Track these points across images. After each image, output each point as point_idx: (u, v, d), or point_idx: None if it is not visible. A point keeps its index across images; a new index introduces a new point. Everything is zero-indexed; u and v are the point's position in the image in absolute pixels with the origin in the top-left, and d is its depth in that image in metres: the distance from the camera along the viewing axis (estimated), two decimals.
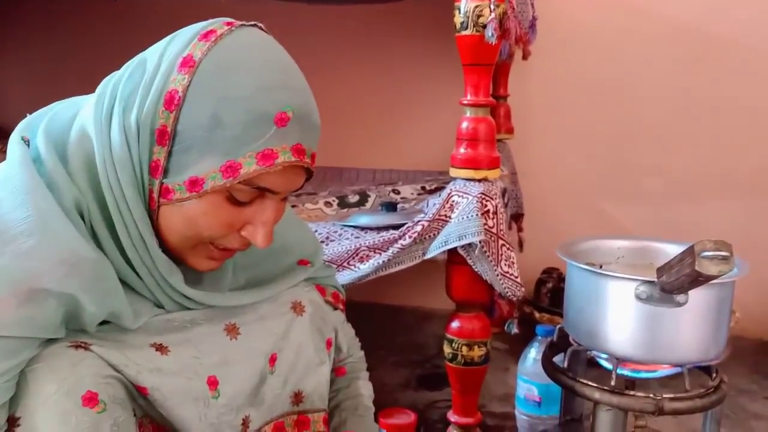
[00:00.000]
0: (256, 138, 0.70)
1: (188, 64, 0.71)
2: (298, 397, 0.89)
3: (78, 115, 0.75)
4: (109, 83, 0.75)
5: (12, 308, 0.64)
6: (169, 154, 0.71)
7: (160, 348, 0.75)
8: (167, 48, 0.73)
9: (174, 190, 0.71)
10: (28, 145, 0.73)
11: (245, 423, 0.82)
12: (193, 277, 0.80)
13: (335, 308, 0.99)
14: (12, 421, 0.65)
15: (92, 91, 0.78)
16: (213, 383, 0.78)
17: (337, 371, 0.97)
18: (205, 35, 0.72)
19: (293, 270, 0.93)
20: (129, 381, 0.71)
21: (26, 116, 0.78)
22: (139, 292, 0.76)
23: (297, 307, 0.89)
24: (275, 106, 0.71)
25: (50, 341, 0.69)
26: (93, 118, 0.72)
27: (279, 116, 0.71)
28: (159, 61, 0.72)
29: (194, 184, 0.71)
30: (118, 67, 0.77)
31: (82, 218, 0.71)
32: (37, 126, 0.75)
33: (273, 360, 0.85)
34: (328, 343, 0.92)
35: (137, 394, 0.73)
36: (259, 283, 0.88)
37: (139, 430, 0.73)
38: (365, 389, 0.99)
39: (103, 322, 0.73)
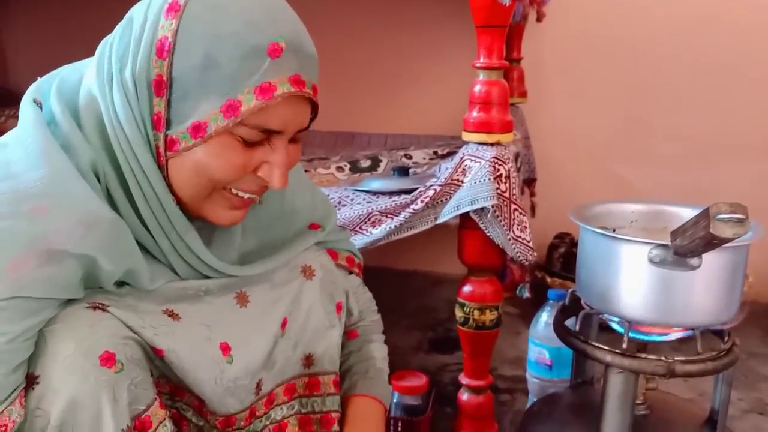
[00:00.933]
0: (252, 72, 0.69)
1: (174, 8, 0.70)
2: (308, 360, 0.90)
3: (83, 78, 0.75)
4: (106, 45, 0.74)
5: (31, 268, 0.64)
6: (168, 103, 0.70)
7: (172, 314, 0.76)
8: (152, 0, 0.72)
9: (179, 140, 0.71)
10: (41, 108, 0.73)
11: (258, 385, 0.83)
12: (205, 241, 0.80)
13: (350, 272, 0.99)
14: (31, 380, 0.67)
15: None
16: (226, 349, 0.79)
17: (348, 334, 0.98)
18: None
19: (304, 234, 0.93)
20: (146, 342, 0.72)
21: (37, 79, 0.77)
22: (155, 257, 0.76)
23: (307, 271, 0.90)
24: (266, 37, 0.70)
25: (68, 302, 0.69)
26: (96, 81, 0.72)
27: (272, 47, 0.70)
28: (146, 13, 0.72)
29: (197, 129, 0.70)
30: None
31: (98, 181, 0.71)
32: (47, 89, 0.75)
33: (284, 324, 0.86)
34: (338, 307, 0.93)
35: (154, 356, 0.74)
36: (270, 247, 0.88)
37: (156, 389, 0.74)
38: (378, 351, 0.99)
39: (120, 286, 0.74)
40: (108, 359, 0.68)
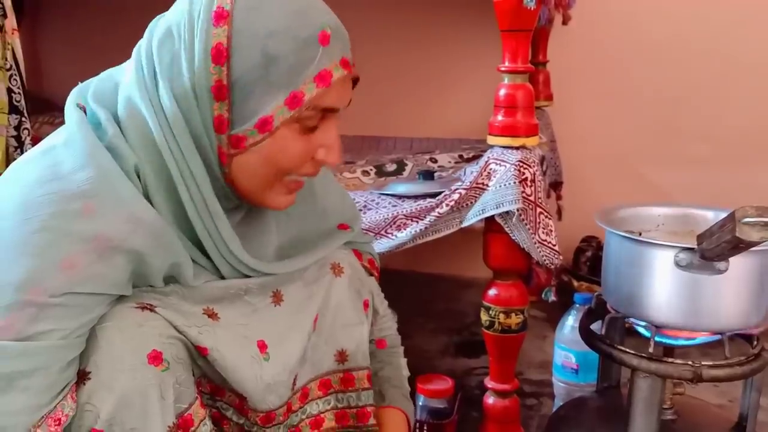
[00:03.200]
0: (309, 62, 0.73)
1: (222, 16, 0.72)
2: (342, 356, 0.92)
3: (119, 86, 0.77)
4: (140, 52, 0.77)
5: (84, 266, 0.67)
6: (231, 105, 0.73)
7: (212, 314, 0.78)
8: (192, 8, 0.74)
9: (246, 137, 0.74)
10: (84, 112, 0.76)
11: (294, 381, 0.86)
12: (241, 239, 0.82)
13: (370, 274, 1.01)
14: (82, 375, 0.69)
15: None
16: (262, 347, 0.81)
17: (378, 343, 1.00)
18: None
19: (334, 233, 0.95)
20: (190, 341, 0.75)
21: (78, 84, 0.80)
22: (195, 260, 0.79)
23: (336, 269, 0.92)
24: (314, 27, 0.73)
25: (118, 302, 0.72)
26: (138, 91, 0.74)
27: (321, 36, 0.73)
28: (190, 22, 0.74)
29: (265, 123, 0.73)
30: None
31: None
32: (87, 94, 0.77)
33: (315, 320, 0.88)
34: (365, 304, 0.95)
35: (197, 355, 0.76)
36: (302, 245, 0.91)
37: (197, 389, 0.77)
38: (404, 364, 1.03)
39: (165, 284, 0.77)
40: (155, 358, 0.71)
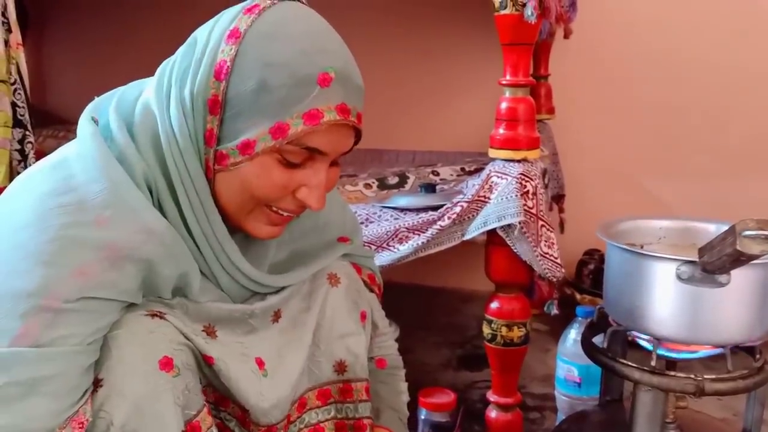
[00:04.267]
0: (301, 99, 0.73)
1: (234, 35, 0.74)
2: (341, 367, 0.92)
3: (141, 95, 0.79)
4: (167, 65, 0.79)
5: (96, 273, 0.68)
6: (221, 122, 0.74)
7: (210, 331, 0.79)
8: (215, 25, 0.77)
9: (228, 155, 0.75)
10: (97, 124, 0.77)
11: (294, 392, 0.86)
12: (242, 251, 0.82)
13: (370, 290, 1.01)
14: (95, 383, 0.70)
15: (141, 77, 0.82)
16: (260, 364, 0.82)
17: (377, 362, 0.99)
18: (250, 9, 0.76)
19: (333, 245, 0.96)
20: (198, 349, 0.76)
21: (94, 99, 0.82)
22: (202, 272, 0.80)
23: (332, 279, 0.92)
24: (317, 67, 0.74)
25: (128, 310, 0.73)
26: (155, 97, 0.76)
27: (321, 77, 0.74)
28: (208, 37, 0.76)
29: (246, 147, 0.74)
30: (167, 54, 0.81)
31: (150, 192, 0.75)
32: (105, 107, 0.79)
33: (313, 331, 0.89)
34: (362, 316, 0.94)
35: (203, 364, 0.77)
36: (300, 258, 0.91)
37: (203, 398, 0.78)
38: (403, 387, 1.02)
39: (172, 296, 0.77)
40: (166, 364, 0.72)
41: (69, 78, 2.66)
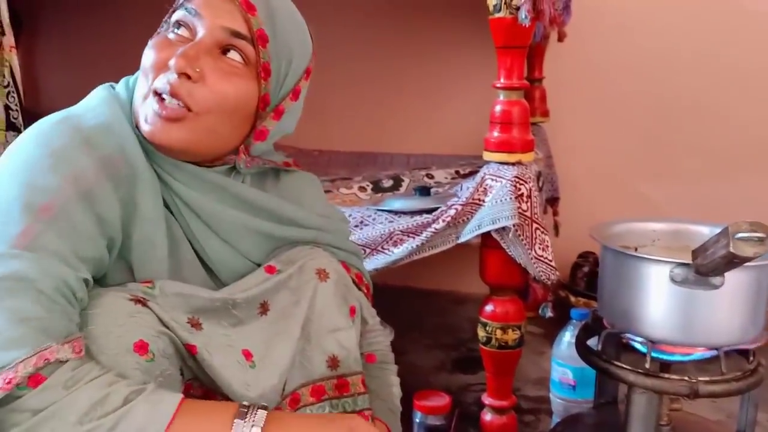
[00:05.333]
0: None
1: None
2: (333, 362, 0.91)
3: None
4: None
5: (90, 181, 0.74)
6: None
7: (195, 324, 0.79)
8: None
9: None
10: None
11: (284, 386, 0.86)
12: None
13: (358, 288, 1.01)
14: None
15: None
16: (248, 355, 0.82)
17: (367, 357, 0.99)
18: None
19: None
20: (180, 339, 0.76)
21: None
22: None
23: (321, 274, 0.92)
24: None
25: (111, 291, 0.75)
26: None
27: None
28: None
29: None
30: None
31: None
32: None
33: (302, 325, 0.89)
34: (352, 310, 0.94)
35: (187, 355, 0.77)
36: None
37: (188, 392, 0.78)
38: (394, 380, 1.01)
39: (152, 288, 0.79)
40: (141, 347, 0.72)
41: (62, 80, 2.65)
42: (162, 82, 0.78)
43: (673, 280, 0.99)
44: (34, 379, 0.65)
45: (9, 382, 0.63)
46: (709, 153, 2.09)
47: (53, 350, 0.66)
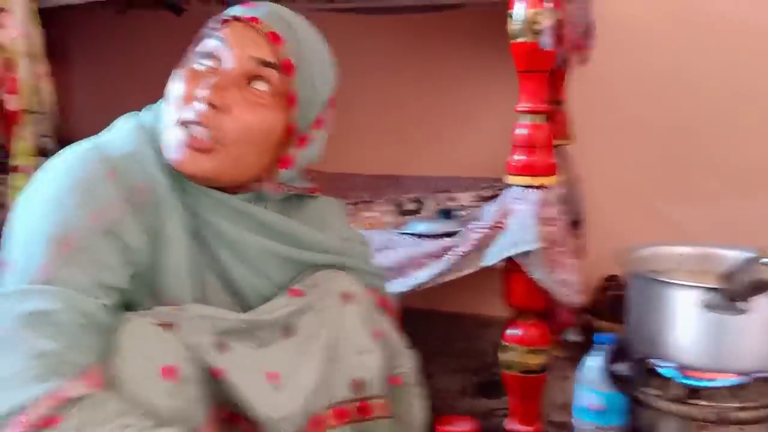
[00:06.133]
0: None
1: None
2: (357, 385, 0.91)
3: None
4: None
5: (114, 213, 0.77)
6: None
7: (222, 346, 0.80)
8: None
9: None
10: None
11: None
12: None
13: (383, 311, 1.01)
14: None
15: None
16: (275, 377, 0.83)
17: (391, 380, 0.99)
18: None
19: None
20: (206, 363, 0.77)
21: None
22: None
23: (345, 297, 0.92)
24: None
25: (138, 318, 0.76)
26: None
27: None
28: None
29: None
30: None
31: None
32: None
33: (327, 347, 0.89)
34: (376, 333, 0.94)
35: (212, 378, 0.78)
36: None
37: (214, 415, 0.78)
38: (418, 406, 1.00)
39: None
40: (168, 372, 0.73)
41: (95, 107, 2.70)
42: (190, 113, 0.80)
43: (701, 305, 0.98)
44: (47, 421, 0.65)
45: (23, 426, 0.64)
46: (731, 173, 2.07)
47: (67, 388, 0.67)
